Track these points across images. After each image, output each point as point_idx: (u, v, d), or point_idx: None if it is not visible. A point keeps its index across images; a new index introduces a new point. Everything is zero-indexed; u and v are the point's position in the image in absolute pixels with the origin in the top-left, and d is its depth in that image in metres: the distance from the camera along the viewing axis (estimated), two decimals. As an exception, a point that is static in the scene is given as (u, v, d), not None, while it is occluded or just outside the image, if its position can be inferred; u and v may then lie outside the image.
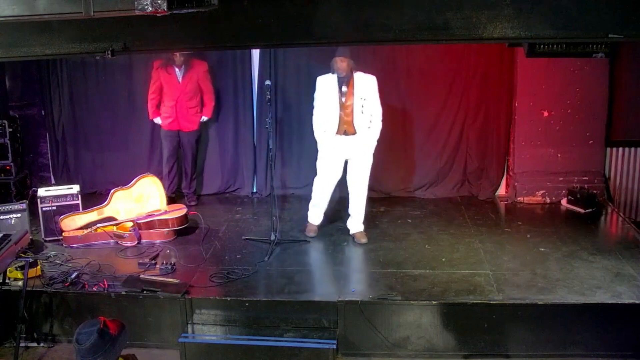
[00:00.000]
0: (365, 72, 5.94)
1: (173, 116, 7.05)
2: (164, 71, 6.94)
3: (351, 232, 6.28)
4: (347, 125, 5.92)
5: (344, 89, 5.87)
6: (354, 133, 5.93)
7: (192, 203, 7.36)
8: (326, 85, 5.92)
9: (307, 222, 6.42)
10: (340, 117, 5.90)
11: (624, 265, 5.55)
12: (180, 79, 6.96)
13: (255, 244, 6.20)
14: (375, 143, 6.01)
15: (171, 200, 7.25)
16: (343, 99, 5.87)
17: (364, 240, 6.17)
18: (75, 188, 6.58)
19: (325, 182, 6.17)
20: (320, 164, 6.15)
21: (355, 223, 6.27)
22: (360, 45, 6.49)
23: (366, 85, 5.88)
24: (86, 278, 5.46)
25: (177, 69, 6.94)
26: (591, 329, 4.95)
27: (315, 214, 6.37)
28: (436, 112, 7.34)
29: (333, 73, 5.88)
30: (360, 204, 6.21)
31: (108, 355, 2.96)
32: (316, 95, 6.04)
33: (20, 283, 5.13)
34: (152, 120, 7.25)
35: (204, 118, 7.26)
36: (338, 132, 5.95)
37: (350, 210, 6.28)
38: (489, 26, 4.15)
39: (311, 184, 7.55)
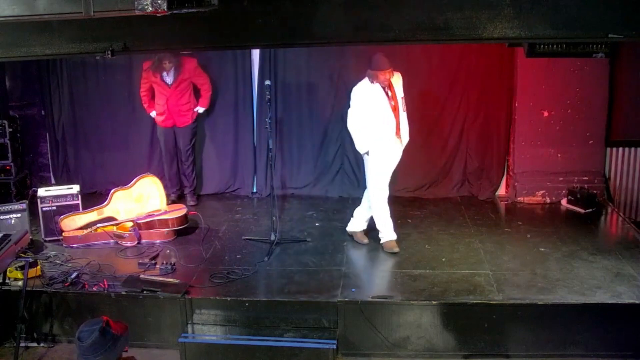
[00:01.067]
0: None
1: (166, 113, 7.05)
2: (152, 75, 6.95)
3: (359, 230, 6.23)
4: (398, 128, 5.84)
5: (390, 93, 5.77)
6: (400, 135, 5.88)
7: (192, 203, 7.36)
8: (371, 94, 5.74)
9: (386, 240, 6.00)
10: (395, 120, 5.79)
11: (624, 265, 5.55)
12: (170, 83, 6.96)
13: (255, 244, 6.20)
14: (408, 139, 5.96)
15: (173, 200, 7.27)
16: (392, 103, 5.77)
17: (365, 240, 6.17)
18: (75, 188, 6.58)
19: (386, 192, 5.97)
20: (378, 173, 5.89)
21: (364, 222, 6.22)
22: (360, 45, 6.49)
23: (399, 83, 5.84)
24: (86, 278, 5.46)
25: (166, 75, 6.93)
26: (591, 329, 4.95)
27: (391, 226, 6.02)
28: (436, 112, 7.33)
29: (372, 82, 5.71)
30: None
31: (109, 355, 2.97)
32: (358, 106, 5.79)
33: (20, 283, 5.13)
34: (150, 115, 7.19)
35: (200, 109, 7.19)
36: (395, 135, 5.84)
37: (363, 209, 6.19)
38: (489, 26, 4.16)
39: (311, 184, 7.61)
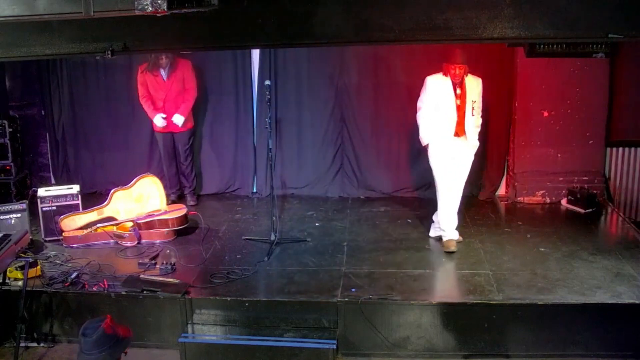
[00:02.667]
0: (472, 74, 5.81)
1: (164, 107, 7.04)
2: (150, 74, 6.95)
3: (443, 237, 6.11)
4: (459, 127, 5.79)
5: (459, 91, 5.74)
6: (463, 135, 5.81)
7: (192, 203, 7.37)
8: (441, 87, 5.74)
9: (446, 239, 6.00)
10: (456, 119, 5.76)
11: (624, 265, 5.55)
12: (165, 78, 6.97)
13: (255, 244, 6.20)
14: (477, 144, 5.91)
15: (173, 200, 7.27)
16: (458, 102, 5.74)
17: (451, 248, 5.95)
18: (75, 188, 6.58)
19: (449, 190, 5.95)
20: (435, 169, 5.93)
21: (454, 229, 6.08)
22: (360, 45, 6.50)
23: (475, 87, 5.78)
24: (86, 278, 5.46)
25: (162, 70, 6.95)
26: (591, 329, 4.95)
27: (451, 226, 6.02)
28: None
29: (445, 75, 5.73)
30: (456, 207, 6.05)
31: (109, 353, 2.98)
32: (426, 96, 5.81)
33: (20, 283, 5.13)
34: (153, 121, 7.14)
35: (178, 118, 7.01)
36: (455, 134, 5.80)
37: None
38: (489, 26, 4.15)
39: (311, 184, 7.62)
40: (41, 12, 3.81)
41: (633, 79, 7.10)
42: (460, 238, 6.09)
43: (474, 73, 5.75)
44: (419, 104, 5.90)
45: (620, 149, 7.31)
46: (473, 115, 5.79)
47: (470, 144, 5.86)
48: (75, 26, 4.37)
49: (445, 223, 6.00)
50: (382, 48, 7.06)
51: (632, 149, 7.29)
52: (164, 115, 7.04)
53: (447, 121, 5.77)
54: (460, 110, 5.76)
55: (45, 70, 7.61)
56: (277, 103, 7.36)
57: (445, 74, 5.74)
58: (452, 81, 5.72)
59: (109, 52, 4.43)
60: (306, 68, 7.33)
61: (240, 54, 7.30)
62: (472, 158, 5.94)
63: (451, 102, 5.74)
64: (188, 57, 7.07)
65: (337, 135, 7.49)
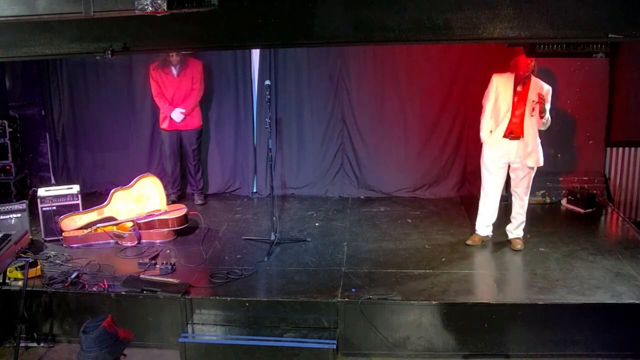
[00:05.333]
0: (474, 74, 5.72)
1: (173, 102, 7.05)
2: (161, 72, 6.96)
3: (508, 237, 6.08)
4: (514, 127, 5.65)
5: (519, 88, 5.61)
6: (521, 137, 5.66)
7: (200, 202, 7.38)
8: (502, 84, 5.64)
9: (473, 233, 6.13)
10: (510, 119, 5.64)
11: (624, 265, 5.55)
12: (175, 75, 6.98)
13: (255, 244, 6.20)
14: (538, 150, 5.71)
15: (173, 200, 7.27)
16: (516, 99, 5.61)
17: (518, 246, 5.93)
18: (75, 188, 6.58)
19: (489, 187, 5.90)
20: (483, 168, 5.88)
21: (513, 229, 6.04)
22: (360, 45, 6.50)
23: (540, 90, 5.57)
24: (86, 278, 5.46)
25: (172, 68, 6.97)
26: (591, 329, 4.95)
27: (480, 223, 6.06)
28: (436, 112, 7.34)
29: (512, 72, 5.60)
30: (521, 210, 5.94)
31: (110, 352, 2.99)
32: (489, 93, 5.73)
33: (20, 283, 5.13)
34: (170, 117, 7.05)
35: (179, 110, 7.01)
36: (505, 135, 5.68)
37: (512, 216, 6.05)
38: (489, 26, 4.15)
39: (311, 184, 7.63)
40: (41, 12, 3.80)
41: (633, 79, 7.10)
42: (488, 236, 6.11)
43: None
44: (484, 101, 5.84)
45: (620, 149, 7.31)
46: (532, 117, 5.59)
47: (528, 151, 5.65)
48: (75, 26, 4.38)
49: (478, 218, 6.05)
50: (382, 48, 7.06)
51: (632, 149, 7.30)
52: (183, 110, 7.04)
53: (502, 119, 5.66)
54: (518, 109, 5.61)
55: (45, 70, 7.61)
56: (277, 103, 7.36)
57: (512, 71, 5.61)
58: (517, 79, 5.59)
59: (109, 52, 4.43)
60: (306, 68, 7.33)
61: (240, 54, 7.30)
62: (533, 162, 5.71)
63: (508, 100, 5.62)
64: (199, 57, 7.07)
65: (337, 135, 7.50)
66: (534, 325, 4.96)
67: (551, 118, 5.62)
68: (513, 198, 5.98)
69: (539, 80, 5.66)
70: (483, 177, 5.95)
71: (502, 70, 5.74)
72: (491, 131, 5.77)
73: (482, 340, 5.01)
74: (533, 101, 5.57)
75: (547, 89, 5.60)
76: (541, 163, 5.74)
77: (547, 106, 5.53)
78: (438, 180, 7.52)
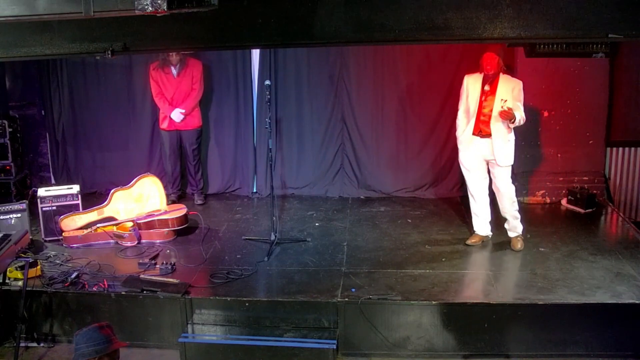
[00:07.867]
0: (512, 76, 5.72)
1: (172, 103, 7.05)
2: (161, 71, 6.96)
3: (509, 235, 6.09)
4: (483, 126, 5.71)
5: (487, 87, 5.68)
6: (489, 135, 5.70)
7: (200, 202, 7.38)
8: (472, 83, 5.75)
9: (472, 234, 6.16)
10: (478, 117, 5.72)
11: (624, 265, 5.55)
12: (175, 75, 6.98)
13: (255, 244, 6.20)
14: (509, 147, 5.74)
15: (173, 200, 7.27)
16: (483, 98, 5.69)
17: (518, 247, 5.93)
18: (75, 188, 6.58)
19: (472, 186, 5.97)
20: (461, 167, 5.99)
21: (508, 226, 6.05)
22: (360, 45, 6.50)
23: (510, 88, 5.63)
24: (86, 278, 5.46)
25: (172, 67, 6.98)
26: (591, 329, 4.95)
27: (477, 223, 6.09)
28: (436, 112, 7.33)
29: (481, 72, 5.69)
30: (508, 206, 5.92)
31: (97, 350, 3.00)
32: (462, 93, 5.85)
33: (20, 283, 5.13)
34: (170, 117, 7.05)
35: (178, 111, 7.00)
36: (474, 133, 5.75)
37: (501, 213, 6.05)
38: (489, 26, 4.15)
39: (311, 184, 7.63)
40: (41, 12, 3.80)
41: (633, 79, 7.10)
42: (488, 235, 6.14)
43: (474, 73, 5.73)
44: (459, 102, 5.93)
45: (620, 149, 7.31)
46: (498, 114, 5.63)
47: (500, 145, 5.69)
48: (75, 26, 4.38)
49: (474, 222, 6.09)
50: (382, 48, 7.06)
51: (632, 149, 7.30)
52: (183, 110, 7.04)
53: (471, 117, 5.74)
54: (486, 107, 5.69)
55: (45, 70, 7.61)
56: (277, 103, 7.36)
57: (480, 71, 5.70)
58: (483, 76, 5.68)
59: (109, 52, 4.43)
60: (306, 68, 7.33)
61: (240, 54, 7.30)
62: (507, 160, 5.73)
63: (476, 98, 5.72)
64: (199, 57, 7.07)
65: (337, 135, 7.49)
66: (534, 325, 4.96)
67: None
68: (498, 198, 5.99)
69: (509, 77, 5.72)
70: (465, 177, 6.02)
71: (474, 70, 5.81)
72: (464, 130, 5.83)
73: (482, 340, 5.01)
74: (502, 99, 5.62)
75: (513, 85, 5.63)
76: (510, 161, 5.78)
77: (517, 114, 5.57)
78: (438, 180, 7.52)
